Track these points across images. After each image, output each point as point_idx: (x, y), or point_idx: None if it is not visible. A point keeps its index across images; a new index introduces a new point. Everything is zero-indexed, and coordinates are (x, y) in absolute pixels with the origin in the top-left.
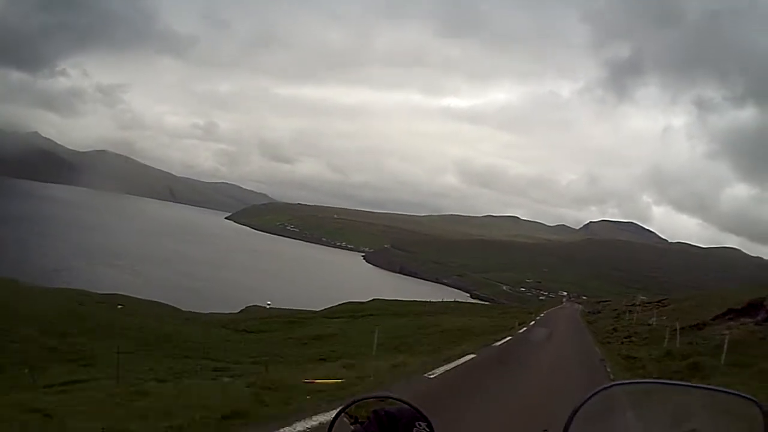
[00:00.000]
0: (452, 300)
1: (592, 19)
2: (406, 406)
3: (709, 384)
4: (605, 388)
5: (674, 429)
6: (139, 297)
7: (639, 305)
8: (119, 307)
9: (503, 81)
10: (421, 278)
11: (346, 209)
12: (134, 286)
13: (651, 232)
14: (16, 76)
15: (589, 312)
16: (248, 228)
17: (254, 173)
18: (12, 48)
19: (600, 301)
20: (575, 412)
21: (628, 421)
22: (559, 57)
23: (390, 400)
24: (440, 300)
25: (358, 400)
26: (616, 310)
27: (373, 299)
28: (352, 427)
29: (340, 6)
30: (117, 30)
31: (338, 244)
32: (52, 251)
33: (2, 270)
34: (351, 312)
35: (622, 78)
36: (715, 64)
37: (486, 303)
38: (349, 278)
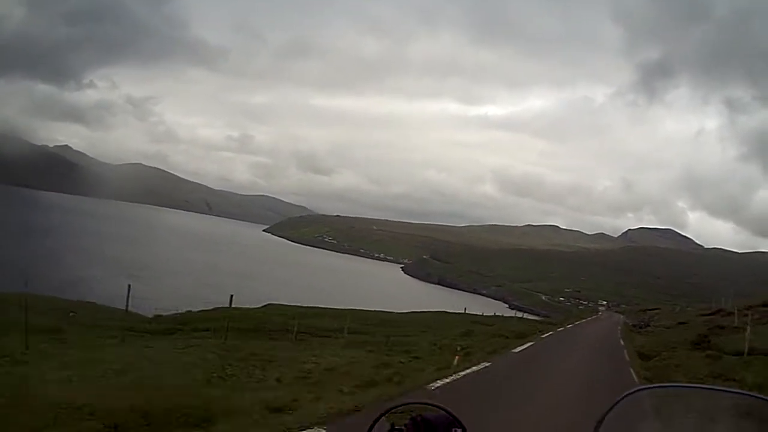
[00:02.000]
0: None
1: (623, 20)
2: (443, 412)
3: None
4: (631, 393)
5: None
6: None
7: (718, 312)
8: (71, 314)
9: (539, 87)
10: (459, 289)
11: (384, 220)
12: (147, 296)
13: (687, 238)
14: (41, 88)
15: (634, 325)
16: (285, 240)
17: (292, 185)
18: (37, 60)
19: (644, 310)
20: (603, 417)
21: (654, 426)
22: (592, 61)
23: (428, 406)
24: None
25: (396, 407)
26: (685, 323)
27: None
28: None
29: (373, 14)
30: (146, 41)
31: (377, 255)
32: (76, 262)
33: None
34: None
35: (653, 80)
36: (744, 63)
37: (520, 314)
38: (385, 289)
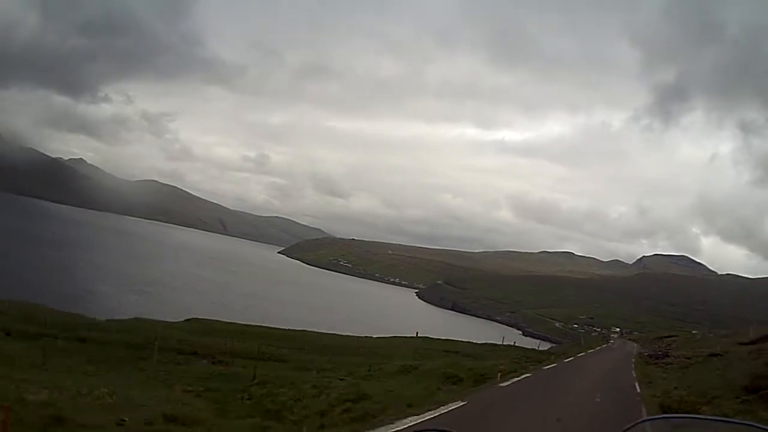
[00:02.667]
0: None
1: (640, 43)
2: None
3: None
4: (636, 424)
5: None
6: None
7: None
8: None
9: (556, 112)
10: (473, 315)
11: (400, 245)
12: (149, 311)
13: (701, 264)
14: (57, 100)
15: (650, 356)
16: (300, 262)
17: (308, 208)
18: (53, 71)
19: (660, 338)
20: None
21: None
22: (608, 84)
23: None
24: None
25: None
26: (719, 355)
27: None
28: None
29: (390, 34)
30: (162, 57)
31: (391, 280)
32: (85, 276)
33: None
34: None
35: (668, 103)
36: (757, 84)
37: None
38: (396, 314)
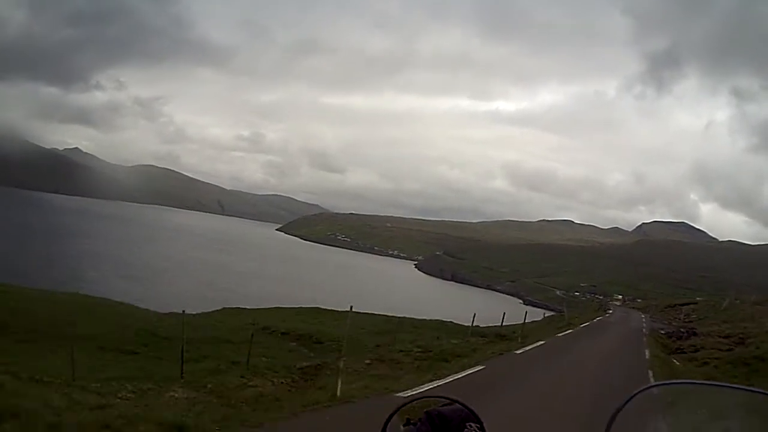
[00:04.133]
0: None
1: (632, 11)
2: (458, 406)
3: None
4: (645, 389)
5: (709, 429)
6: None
7: None
8: None
9: (549, 82)
10: (473, 285)
11: (398, 218)
12: (138, 295)
13: (701, 231)
14: (48, 91)
15: (668, 335)
16: (298, 239)
17: (305, 184)
18: (43, 62)
19: (672, 306)
20: (616, 413)
21: (666, 421)
22: (602, 54)
23: (443, 400)
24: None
25: (412, 401)
26: None
27: None
28: (403, 428)
29: (381, 9)
30: (152, 40)
31: (390, 252)
32: (74, 262)
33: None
34: None
35: (661, 71)
36: (751, 51)
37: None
38: (396, 286)
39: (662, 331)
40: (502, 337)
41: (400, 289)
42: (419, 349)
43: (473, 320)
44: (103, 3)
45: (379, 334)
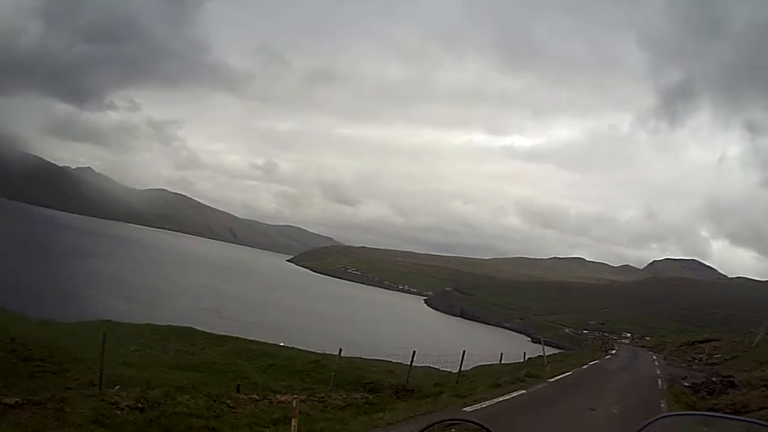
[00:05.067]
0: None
1: (648, 42)
2: (477, 428)
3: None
4: (655, 420)
5: None
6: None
7: None
8: None
9: (564, 116)
10: (482, 322)
11: (410, 252)
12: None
13: (711, 268)
14: (60, 108)
15: (693, 390)
16: (308, 270)
17: (318, 216)
18: (55, 78)
19: (690, 343)
20: None
21: None
22: (617, 87)
23: (466, 423)
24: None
25: (433, 424)
26: None
27: None
28: None
29: (397, 39)
30: (167, 63)
31: (400, 287)
32: (76, 281)
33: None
34: None
35: (675, 104)
36: (763, 83)
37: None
38: (403, 321)
39: (685, 382)
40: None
41: (400, 323)
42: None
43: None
44: (119, 22)
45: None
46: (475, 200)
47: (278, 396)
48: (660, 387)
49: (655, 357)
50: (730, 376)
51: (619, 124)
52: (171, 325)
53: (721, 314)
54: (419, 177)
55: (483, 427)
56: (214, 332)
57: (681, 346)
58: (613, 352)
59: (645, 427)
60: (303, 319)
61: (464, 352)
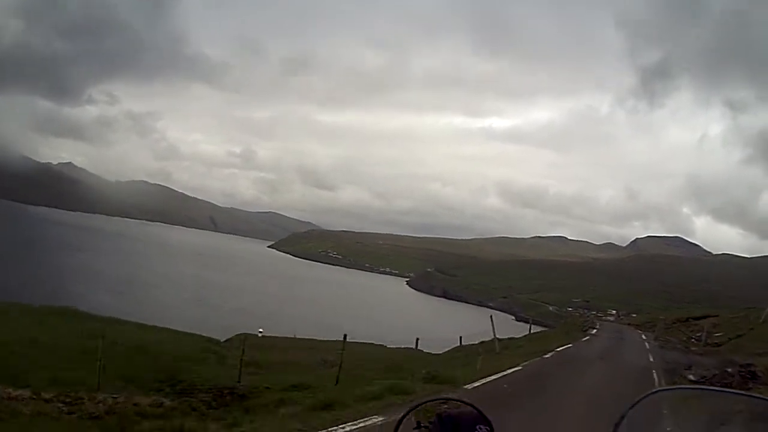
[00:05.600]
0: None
1: (626, 25)
2: (469, 408)
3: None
4: (651, 394)
5: None
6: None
7: None
8: None
9: (543, 97)
10: (465, 302)
11: (390, 235)
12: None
13: (696, 245)
14: (41, 104)
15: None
16: (289, 255)
17: (298, 202)
18: (35, 75)
19: (683, 320)
20: (622, 418)
21: (672, 426)
22: (595, 68)
23: (454, 402)
24: None
25: (423, 403)
26: None
27: None
28: (414, 431)
29: (373, 26)
30: (145, 56)
31: (382, 269)
32: (58, 276)
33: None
34: None
35: (654, 84)
36: (745, 62)
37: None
38: (386, 303)
39: (690, 374)
40: None
41: (400, 305)
42: None
43: None
44: (96, 16)
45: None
46: (455, 182)
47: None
48: (657, 384)
49: (644, 337)
50: (750, 364)
51: (598, 104)
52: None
53: (708, 291)
54: (398, 161)
55: (475, 408)
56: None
57: (674, 323)
58: (594, 331)
59: (638, 402)
60: (283, 304)
61: (417, 340)
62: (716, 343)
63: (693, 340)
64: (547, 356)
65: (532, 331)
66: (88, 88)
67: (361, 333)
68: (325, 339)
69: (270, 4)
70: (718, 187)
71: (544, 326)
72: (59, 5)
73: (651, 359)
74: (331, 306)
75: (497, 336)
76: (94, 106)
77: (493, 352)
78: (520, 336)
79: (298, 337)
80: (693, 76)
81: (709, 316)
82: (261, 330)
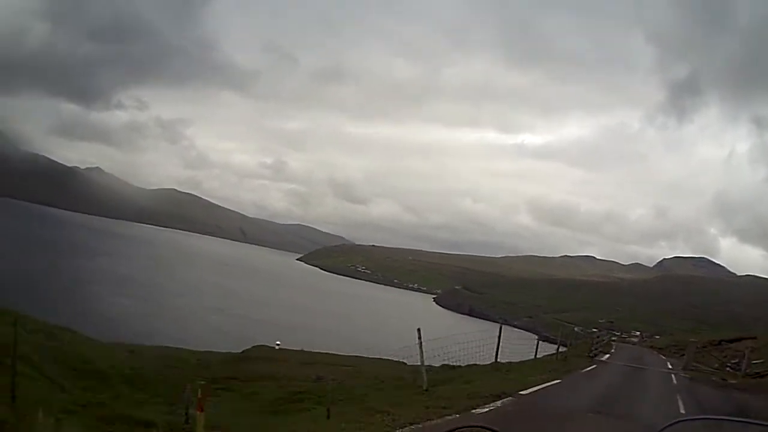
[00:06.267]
0: None
1: (656, 37)
2: None
3: None
4: (674, 423)
5: None
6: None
7: None
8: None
9: (575, 113)
10: (490, 320)
11: (420, 251)
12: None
13: (720, 266)
14: (67, 107)
15: None
16: (317, 269)
17: (329, 215)
18: (62, 77)
19: (716, 343)
20: None
21: None
22: (627, 84)
23: (478, 428)
24: None
25: (454, 429)
26: None
27: None
28: None
29: (406, 37)
30: (175, 61)
31: (410, 286)
32: (79, 280)
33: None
34: None
35: (684, 100)
36: None
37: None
38: (410, 318)
39: None
40: None
41: (424, 321)
42: None
43: None
44: (127, 20)
45: None
46: (486, 198)
47: None
48: None
49: (670, 365)
50: None
51: (628, 120)
52: None
53: (732, 312)
54: (430, 175)
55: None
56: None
57: (704, 346)
58: (605, 357)
59: (665, 429)
60: (308, 317)
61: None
62: (757, 373)
63: (728, 368)
64: (499, 404)
65: (539, 354)
66: (118, 93)
67: (381, 348)
68: (343, 354)
69: (301, 12)
70: (744, 206)
71: (566, 346)
72: (88, 8)
73: (681, 406)
74: (355, 320)
75: (499, 356)
76: (124, 111)
77: (419, 388)
78: (517, 361)
79: (315, 351)
80: (720, 92)
81: (744, 339)
82: (278, 342)
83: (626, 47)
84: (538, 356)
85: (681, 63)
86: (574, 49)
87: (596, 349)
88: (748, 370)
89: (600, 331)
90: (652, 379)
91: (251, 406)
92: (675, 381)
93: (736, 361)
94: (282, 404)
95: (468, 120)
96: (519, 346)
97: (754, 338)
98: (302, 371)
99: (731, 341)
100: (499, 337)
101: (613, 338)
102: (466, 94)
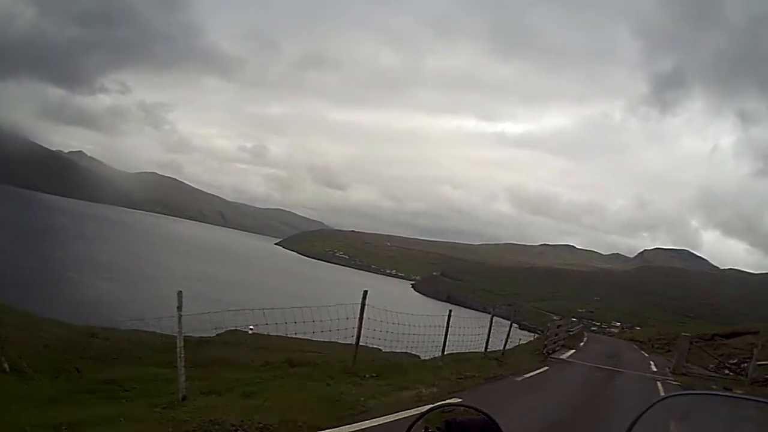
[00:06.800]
0: None
1: (642, 30)
2: (480, 414)
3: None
4: (662, 399)
5: None
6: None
7: None
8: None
9: (556, 103)
10: (468, 307)
11: (399, 237)
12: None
13: (702, 258)
14: (53, 92)
15: None
16: (296, 253)
17: (308, 200)
18: (48, 62)
19: (708, 338)
20: (634, 422)
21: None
22: (611, 75)
23: (464, 408)
24: None
25: (432, 409)
26: None
27: None
28: None
29: (389, 25)
30: (159, 46)
31: (388, 272)
32: (57, 264)
33: None
34: None
35: (667, 93)
36: (756, 72)
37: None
38: (386, 304)
39: None
40: None
41: (401, 307)
42: None
43: None
44: (112, 5)
45: None
46: (466, 186)
47: None
48: None
49: (655, 368)
50: None
51: (611, 111)
52: None
53: (713, 305)
54: (410, 162)
55: (485, 415)
56: None
57: (694, 341)
58: (568, 354)
59: (652, 405)
60: (283, 301)
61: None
62: (767, 378)
63: (727, 370)
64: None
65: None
66: (101, 76)
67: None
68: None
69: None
70: (727, 200)
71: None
72: None
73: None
74: (328, 305)
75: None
76: (107, 95)
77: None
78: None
79: (289, 336)
80: (706, 86)
81: (742, 333)
82: (252, 327)
83: (611, 39)
84: (475, 350)
85: (666, 56)
86: (557, 40)
87: (555, 343)
88: (755, 375)
89: (579, 320)
90: (627, 391)
91: None
92: (663, 392)
93: (736, 361)
94: None
95: (449, 108)
96: (474, 336)
97: (756, 333)
98: (256, 356)
99: (727, 336)
100: (490, 329)
101: (593, 328)
102: (448, 83)
